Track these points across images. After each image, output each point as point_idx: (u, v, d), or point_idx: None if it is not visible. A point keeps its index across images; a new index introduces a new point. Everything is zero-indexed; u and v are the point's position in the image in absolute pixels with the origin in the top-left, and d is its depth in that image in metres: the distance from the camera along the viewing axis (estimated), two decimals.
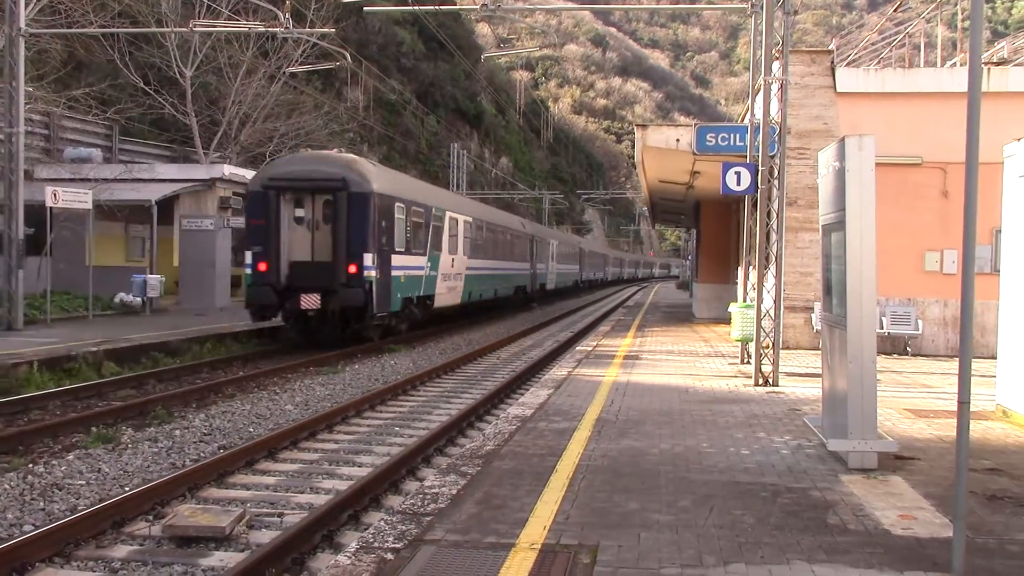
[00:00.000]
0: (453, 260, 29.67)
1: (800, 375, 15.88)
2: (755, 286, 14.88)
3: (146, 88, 36.78)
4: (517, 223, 42.94)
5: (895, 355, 20.16)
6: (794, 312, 20.82)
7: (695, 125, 21.10)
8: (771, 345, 14.76)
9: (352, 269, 21.66)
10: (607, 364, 17.00)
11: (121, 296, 29.38)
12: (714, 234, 33.02)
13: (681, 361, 17.83)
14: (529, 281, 45.10)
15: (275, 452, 11.94)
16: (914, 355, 20.18)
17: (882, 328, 19.92)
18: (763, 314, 14.86)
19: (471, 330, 32.92)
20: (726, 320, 23.19)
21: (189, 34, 31.35)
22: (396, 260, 23.53)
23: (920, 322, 20.26)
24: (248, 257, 21.92)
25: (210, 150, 38.39)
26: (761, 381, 14.40)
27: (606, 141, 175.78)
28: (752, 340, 15.37)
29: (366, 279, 21.70)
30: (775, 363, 14.50)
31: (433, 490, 7.51)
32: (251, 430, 13.62)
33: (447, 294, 29.17)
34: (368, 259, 21.74)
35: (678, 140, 21.50)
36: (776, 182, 15.09)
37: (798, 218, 20.79)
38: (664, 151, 22.07)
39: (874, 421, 8.30)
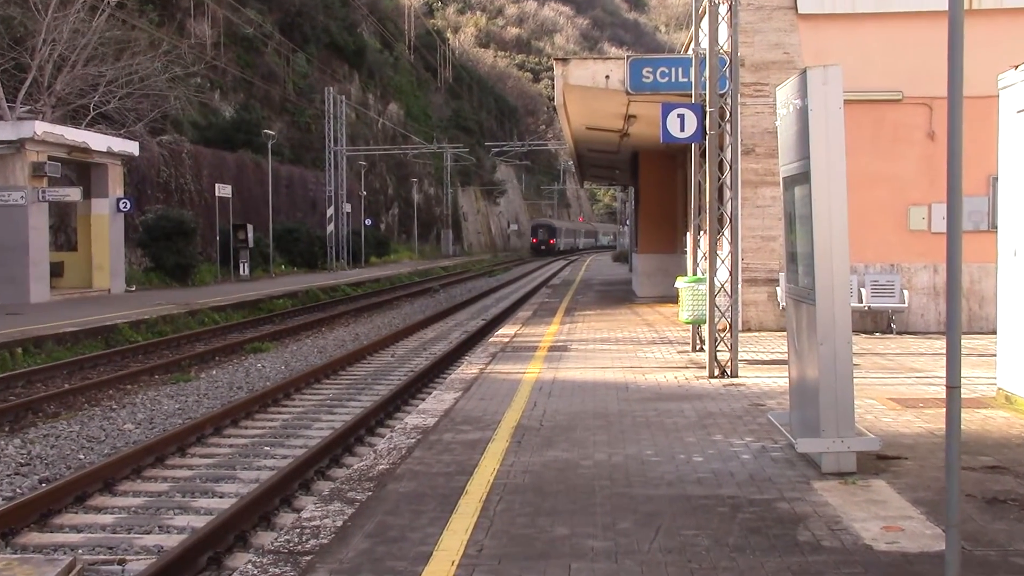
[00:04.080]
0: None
1: (764, 363, 16.17)
2: (707, 255, 15.07)
3: None
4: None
5: (877, 334, 20.63)
6: (755, 286, 21.15)
7: (628, 58, 21.25)
8: (728, 328, 15.00)
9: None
10: (528, 358, 17.09)
11: None
12: (656, 192, 33.35)
13: (619, 351, 18.01)
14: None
15: (113, 484, 11.77)
16: (900, 333, 20.67)
17: (860, 302, 20.36)
18: (717, 290, 15.06)
19: (357, 321, 32.83)
20: (673, 299, 23.48)
21: None
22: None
23: (906, 293, 20.72)
24: None
25: (16, 103, 37.41)
26: (717, 372, 14.62)
27: (520, 80, 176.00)
28: (705, 322, 15.59)
29: None
30: (733, 349, 14.74)
31: (313, 522, 7.48)
32: (81, 457, 13.40)
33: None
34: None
35: (607, 77, 21.63)
36: (728, 126, 15.30)
37: (756, 170, 21.10)
38: (591, 91, 22.18)
39: (851, 415, 8.49)
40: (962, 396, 5.78)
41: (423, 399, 16.33)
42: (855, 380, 8.70)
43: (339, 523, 7.46)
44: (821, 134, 8.31)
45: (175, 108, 49.71)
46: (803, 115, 8.46)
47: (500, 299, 43.87)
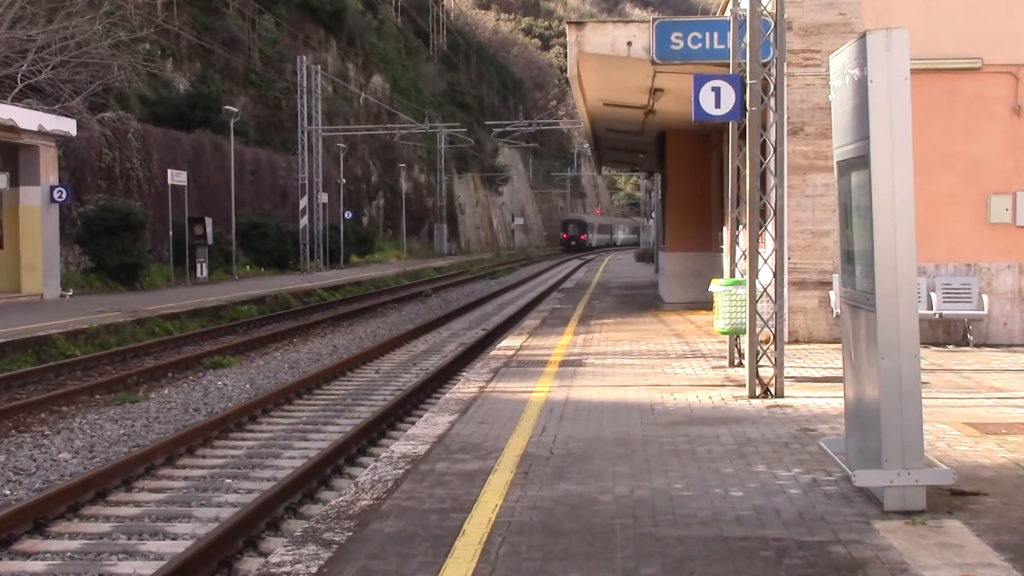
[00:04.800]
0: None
1: (814, 380, 16.13)
2: (747, 254, 15.06)
3: None
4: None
5: (950, 346, 20.58)
6: (804, 290, 21.14)
7: (654, 21, 21.23)
8: (771, 339, 14.98)
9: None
10: (536, 375, 17.08)
11: None
12: (687, 180, 33.33)
13: (643, 366, 17.99)
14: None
15: (44, 524, 11.75)
16: (977, 345, 20.60)
17: (930, 308, 20.31)
18: (759, 294, 15.04)
19: (336, 332, 32.85)
20: (707, 305, 23.45)
21: None
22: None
23: (985, 298, 20.64)
24: None
25: None
26: (759, 391, 14.59)
27: (527, 48, 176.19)
28: (744, 333, 15.55)
29: None
30: (778, 365, 14.71)
31: (283, 568, 7.48)
32: (7, 493, 13.39)
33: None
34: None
35: (629, 44, 21.62)
36: (773, 102, 15.28)
37: (806, 153, 21.09)
38: (610, 60, 22.17)
39: (919, 442, 8.46)
40: None
41: (413, 423, 16.31)
42: (924, 401, 8.65)
43: (314, 569, 7.45)
44: (883, 110, 8.30)
45: (119, 80, 49.77)
46: (862, 88, 8.44)
47: (503, 305, 43.86)
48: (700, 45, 20.26)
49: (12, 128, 34.83)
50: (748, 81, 14.86)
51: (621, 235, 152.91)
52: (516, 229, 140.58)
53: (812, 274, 21.19)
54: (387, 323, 35.82)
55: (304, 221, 62.18)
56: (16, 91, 39.83)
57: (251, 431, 17.26)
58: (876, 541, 7.87)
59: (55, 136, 37.48)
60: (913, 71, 8.45)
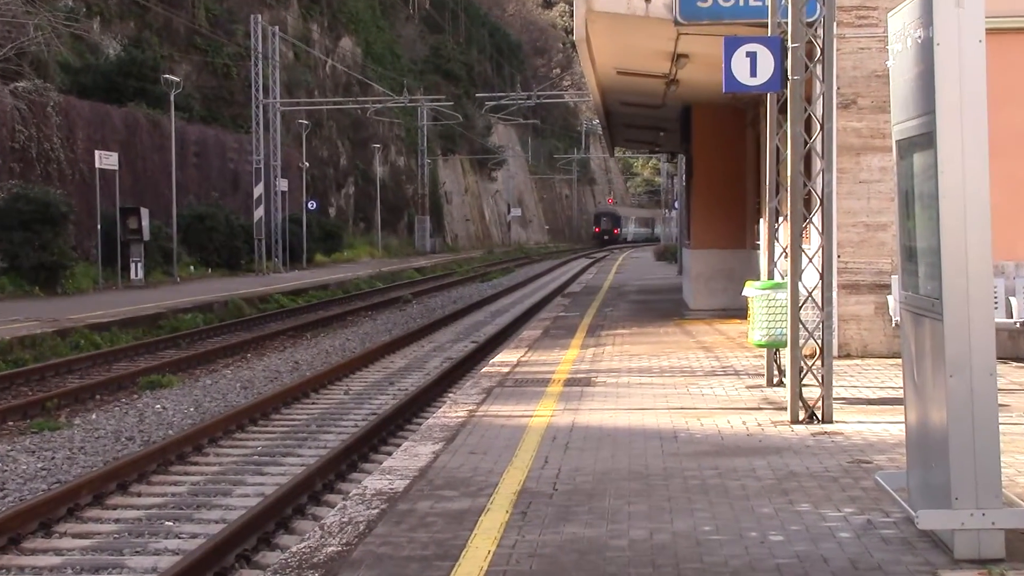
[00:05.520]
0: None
1: (869, 402, 16.14)
2: (788, 251, 15.05)
3: None
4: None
5: None
6: (857, 294, 21.12)
7: None
8: (818, 353, 14.96)
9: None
10: (536, 396, 17.07)
11: None
12: (717, 163, 33.34)
13: (664, 385, 17.98)
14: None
15: None
16: None
17: (1009, 316, 20.27)
18: (803, 300, 15.03)
19: (298, 345, 32.83)
20: (741, 312, 23.44)
21: None
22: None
23: None
24: None
25: None
26: (803, 415, 14.58)
27: (525, 6, 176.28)
28: (785, 345, 15.53)
29: None
30: (826, 384, 14.68)
31: None
32: None
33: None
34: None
35: (648, 0, 21.63)
36: (820, 69, 15.27)
37: (859, 130, 21.08)
38: (625, 20, 22.17)
39: (997, 477, 8.42)
40: None
41: (389, 453, 16.33)
42: (1002, 428, 8.62)
43: None
44: (952, 78, 8.28)
45: (36, 43, 49.63)
46: (927, 52, 8.43)
47: (497, 313, 43.88)
48: (733, 2, 20.26)
49: None
50: (790, 44, 14.86)
51: (660, 229, 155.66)
52: (513, 222, 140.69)
53: (866, 275, 21.19)
54: (359, 334, 35.81)
55: (259, 213, 62.15)
56: None
57: (196, 464, 17.22)
58: None
59: None
60: (989, 31, 8.42)
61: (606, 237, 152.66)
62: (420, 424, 18.17)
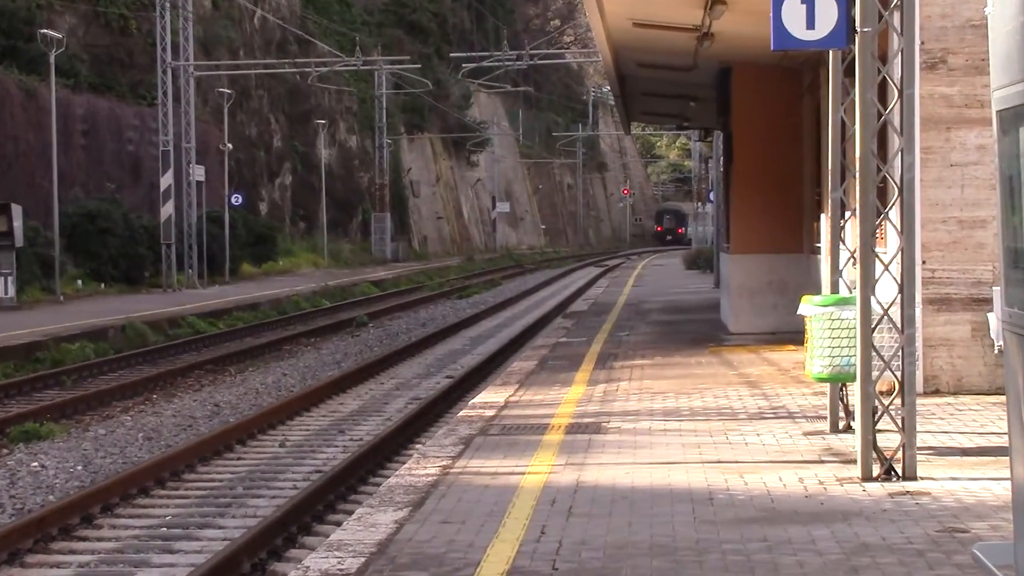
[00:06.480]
0: None
1: (964, 452, 16.17)
2: (857, 257, 15.10)
3: None
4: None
5: None
6: (947, 311, 21.16)
7: None
8: (897, 388, 15.00)
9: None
10: (531, 447, 17.08)
11: None
12: (764, 143, 33.32)
13: (698, 432, 18.01)
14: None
15: None
16: None
17: None
18: (877, 320, 15.09)
19: (218, 383, 32.80)
20: (795, 335, 23.46)
21: None
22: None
23: None
24: None
25: None
26: (878, 470, 14.61)
27: None
28: (854, 379, 15.58)
29: None
30: (907, 429, 14.71)
31: None
32: None
33: None
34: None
35: None
36: (897, 18, 15.35)
37: (950, 97, 21.15)
38: None
39: None
40: None
41: (339, 523, 16.32)
42: None
43: None
44: None
45: None
46: None
47: (479, 339, 43.90)
48: None
49: None
50: None
51: (691, 228, 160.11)
52: (499, 220, 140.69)
53: (961, 287, 21.24)
54: (298, 368, 35.78)
55: (168, 210, 61.98)
56: None
57: (85, 539, 17.19)
58: None
59: None
60: None
61: (669, 237, 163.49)
62: (379, 484, 18.18)
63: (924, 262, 20.44)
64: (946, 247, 21.14)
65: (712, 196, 66.61)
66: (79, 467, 22.07)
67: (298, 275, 75.42)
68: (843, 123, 16.14)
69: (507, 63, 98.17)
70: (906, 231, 15.15)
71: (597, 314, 42.32)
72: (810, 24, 15.20)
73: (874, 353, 14.91)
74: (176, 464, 21.29)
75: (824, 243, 20.99)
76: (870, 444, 14.68)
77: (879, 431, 14.80)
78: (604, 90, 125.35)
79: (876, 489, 14.11)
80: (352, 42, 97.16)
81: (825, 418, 18.20)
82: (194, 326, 44.53)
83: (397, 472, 16.09)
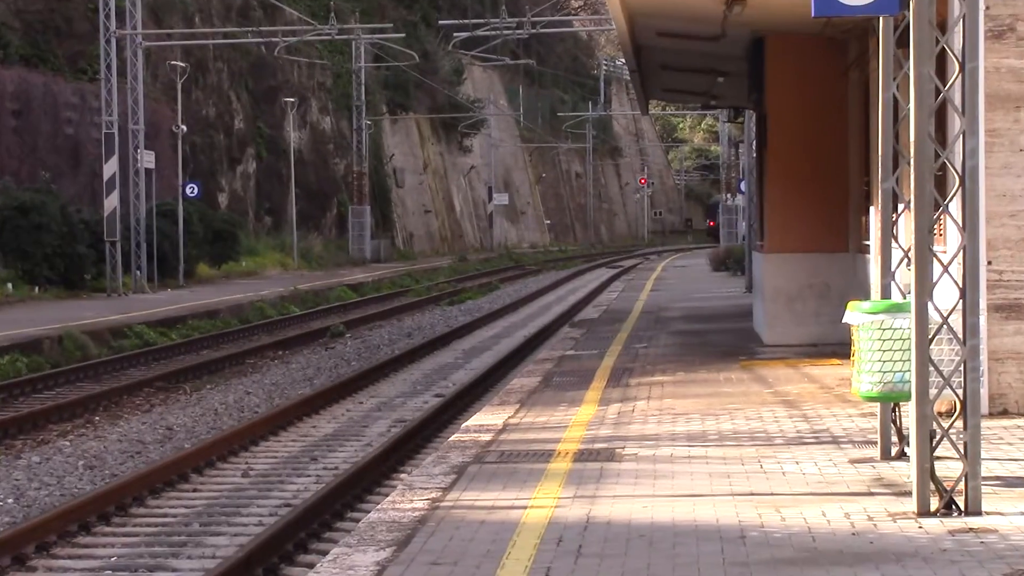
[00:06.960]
0: None
1: None
2: (912, 256, 15.02)
3: None
4: None
5: None
6: (1018, 318, 21.08)
7: None
8: (959, 409, 14.92)
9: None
10: (534, 477, 17.03)
11: None
12: (803, 124, 33.35)
13: (727, 460, 17.97)
14: None
15: None
16: None
17: None
18: (935, 330, 15.01)
19: (169, 402, 32.80)
20: (840, 348, 23.44)
21: None
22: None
23: None
24: None
25: None
26: (937, 503, 14.53)
27: None
28: (908, 399, 15.51)
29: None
30: (971, 456, 14.64)
31: None
32: None
33: None
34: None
35: None
36: None
37: (1020, 71, 21.07)
38: None
39: None
40: None
41: (311, 565, 16.27)
42: None
43: None
44: None
45: None
46: None
47: (473, 352, 44.02)
48: None
49: None
50: None
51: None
52: (497, 214, 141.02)
53: None
54: (264, 385, 35.81)
55: (112, 202, 62.07)
56: None
57: None
58: None
59: None
60: None
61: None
62: (358, 520, 18.12)
63: (990, 262, 20.35)
64: (1015, 245, 21.03)
65: (743, 186, 66.62)
66: (10, 500, 22.06)
67: (263, 278, 75.62)
68: (895, 102, 16.07)
69: (505, 32, 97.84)
70: (969, 227, 15.05)
71: (610, 323, 42.39)
72: None
73: (931, 368, 14.82)
74: (122, 496, 21.24)
75: (873, 241, 20.96)
76: (927, 473, 14.57)
77: (938, 458, 14.68)
78: (618, 63, 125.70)
79: (934, 526, 14.00)
80: (325, 8, 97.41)
81: (875, 443, 18.14)
82: (143, 336, 44.60)
83: (379, 506, 16.01)
